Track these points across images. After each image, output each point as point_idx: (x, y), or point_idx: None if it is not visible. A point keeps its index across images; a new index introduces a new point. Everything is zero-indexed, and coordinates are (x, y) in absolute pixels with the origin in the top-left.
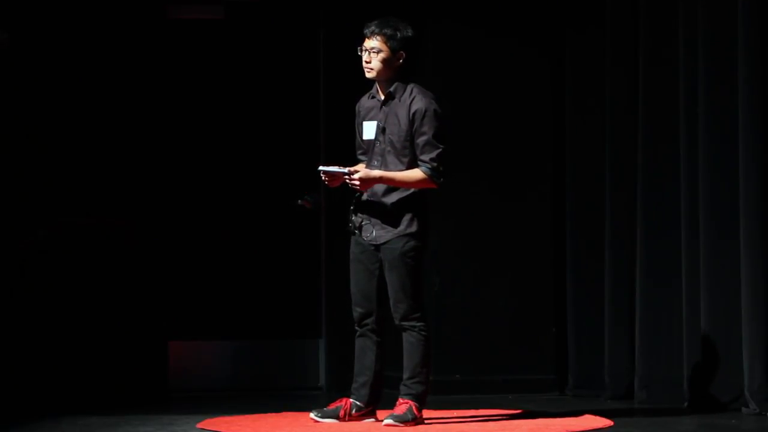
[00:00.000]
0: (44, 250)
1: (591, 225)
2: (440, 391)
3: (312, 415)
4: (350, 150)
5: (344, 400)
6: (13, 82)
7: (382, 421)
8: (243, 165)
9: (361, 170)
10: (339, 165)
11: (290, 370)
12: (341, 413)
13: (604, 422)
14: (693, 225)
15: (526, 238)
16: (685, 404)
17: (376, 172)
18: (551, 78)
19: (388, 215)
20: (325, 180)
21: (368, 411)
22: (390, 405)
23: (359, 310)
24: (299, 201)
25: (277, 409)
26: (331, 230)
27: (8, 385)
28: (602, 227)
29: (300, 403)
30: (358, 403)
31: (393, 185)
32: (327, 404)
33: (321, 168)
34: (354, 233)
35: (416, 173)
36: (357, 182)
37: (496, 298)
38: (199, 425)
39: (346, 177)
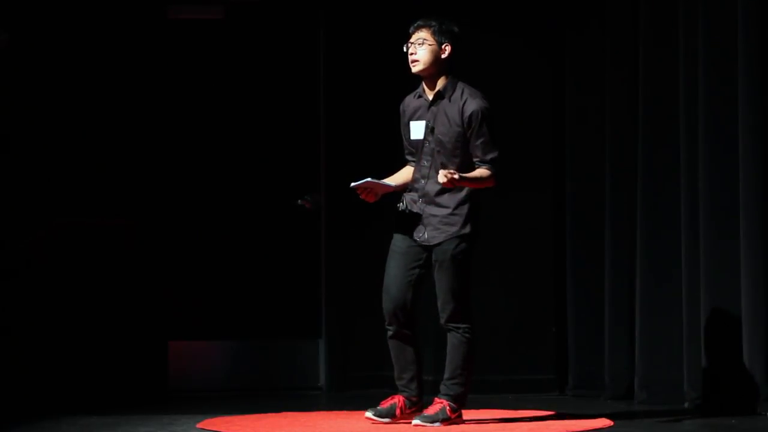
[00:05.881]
0: (44, 250)
1: (591, 225)
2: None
3: (368, 414)
4: (351, 150)
5: (396, 397)
6: (13, 82)
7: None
8: (243, 165)
9: (455, 173)
10: (374, 177)
11: (290, 370)
12: (397, 411)
13: (604, 422)
14: (693, 225)
15: (526, 238)
16: (685, 404)
17: (463, 175)
18: (551, 78)
19: (442, 216)
20: (361, 196)
21: (420, 406)
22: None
23: (391, 304)
24: (299, 201)
25: (277, 409)
26: (331, 230)
27: (8, 385)
28: (602, 227)
29: (300, 403)
30: (411, 399)
31: (469, 186)
32: (379, 402)
33: (354, 184)
34: (402, 212)
35: (485, 172)
36: (450, 182)
37: (496, 298)
38: (199, 425)
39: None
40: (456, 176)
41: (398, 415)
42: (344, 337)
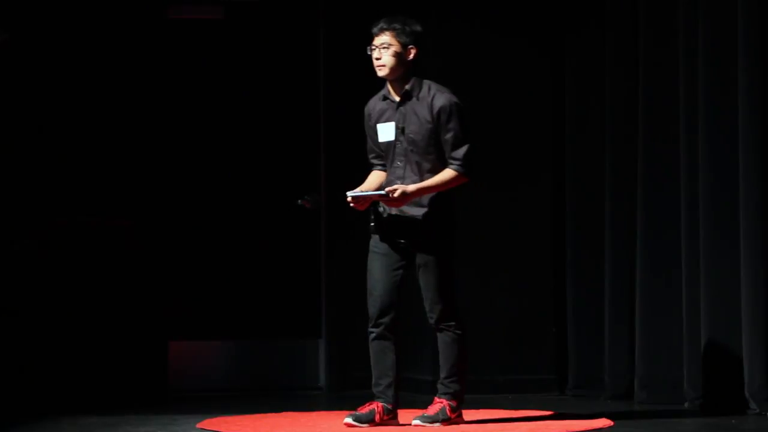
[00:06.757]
0: (44, 249)
1: (591, 225)
2: None
3: (347, 420)
4: (351, 150)
5: (374, 403)
6: (13, 82)
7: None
8: (243, 165)
9: (399, 187)
10: (363, 188)
11: (290, 370)
12: (377, 417)
13: (604, 422)
14: (693, 225)
15: (526, 238)
16: (685, 404)
17: (412, 187)
18: (551, 78)
19: (421, 216)
20: (351, 204)
21: (395, 414)
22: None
23: (378, 305)
24: (299, 201)
25: (277, 409)
26: (331, 230)
27: (8, 385)
28: (602, 227)
29: (300, 403)
30: (387, 406)
31: (429, 193)
32: (357, 407)
33: (350, 194)
34: (376, 233)
35: (448, 174)
36: (395, 199)
37: (496, 298)
38: (199, 425)
39: (383, 196)
40: (396, 193)
41: (377, 421)
42: (344, 337)
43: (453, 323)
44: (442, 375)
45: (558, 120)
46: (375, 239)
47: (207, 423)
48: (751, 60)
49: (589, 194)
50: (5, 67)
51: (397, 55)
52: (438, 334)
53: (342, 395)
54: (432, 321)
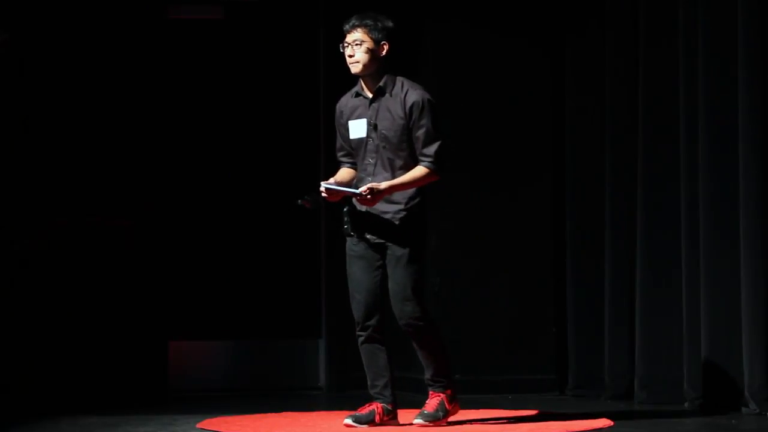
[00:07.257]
0: (44, 249)
1: (591, 225)
2: None
3: (347, 421)
4: None
5: (374, 404)
6: (13, 82)
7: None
8: (243, 165)
9: (372, 185)
10: (337, 180)
11: (290, 370)
12: (377, 418)
13: (604, 422)
14: (693, 225)
15: (526, 238)
16: (685, 404)
17: (384, 185)
18: (551, 78)
19: (393, 213)
20: (324, 195)
21: (395, 414)
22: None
23: (362, 309)
24: (299, 201)
25: (277, 409)
26: (331, 230)
27: (8, 385)
28: (602, 227)
29: (300, 403)
30: (387, 406)
31: (401, 190)
32: (357, 408)
33: (324, 185)
34: (350, 235)
35: (419, 171)
36: (368, 198)
37: (496, 298)
38: (199, 425)
39: (357, 196)
40: (368, 195)
41: (377, 422)
42: (344, 337)
43: (422, 324)
44: (429, 373)
45: (558, 120)
46: (350, 242)
47: (207, 423)
48: (751, 59)
49: (589, 194)
50: (5, 67)
51: (370, 52)
52: (411, 333)
53: (342, 395)
54: (402, 321)
